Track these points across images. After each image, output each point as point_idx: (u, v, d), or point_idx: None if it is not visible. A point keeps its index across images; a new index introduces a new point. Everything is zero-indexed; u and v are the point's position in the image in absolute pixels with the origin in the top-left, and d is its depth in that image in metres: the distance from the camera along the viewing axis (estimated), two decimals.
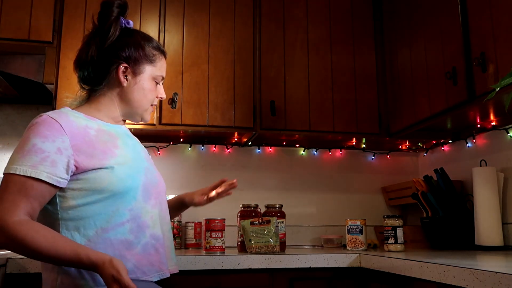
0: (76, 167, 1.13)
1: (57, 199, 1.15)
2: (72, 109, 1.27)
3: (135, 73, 1.28)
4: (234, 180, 1.53)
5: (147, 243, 1.20)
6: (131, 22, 1.33)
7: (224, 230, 1.93)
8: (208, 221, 1.92)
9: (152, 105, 1.35)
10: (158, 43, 1.36)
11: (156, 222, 1.24)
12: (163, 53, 1.35)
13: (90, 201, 1.14)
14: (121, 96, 1.28)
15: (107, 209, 1.15)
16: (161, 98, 1.36)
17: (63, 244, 1.05)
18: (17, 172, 1.07)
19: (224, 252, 1.87)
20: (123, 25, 1.30)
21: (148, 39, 1.33)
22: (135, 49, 1.28)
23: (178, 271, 1.32)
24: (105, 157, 1.17)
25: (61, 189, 1.13)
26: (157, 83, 1.33)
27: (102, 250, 1.12)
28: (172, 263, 1.30)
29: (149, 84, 1.31)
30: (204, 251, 1.89)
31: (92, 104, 1.28)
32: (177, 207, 1.55)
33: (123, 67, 1.26)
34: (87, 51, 1.26)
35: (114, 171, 1.16)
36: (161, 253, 1.23)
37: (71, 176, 1.13)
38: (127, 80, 1.27)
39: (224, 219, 1.94)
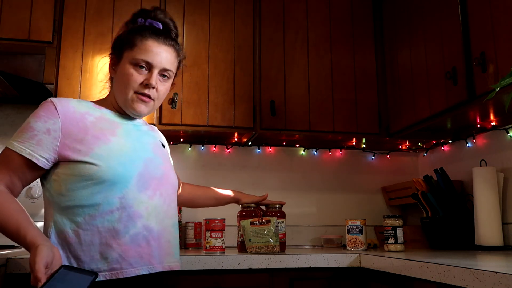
0: (61, 150, 1.15)
1: (51, 183, 1.18)
2: (94, 100, 1.32)
3: (116, 62, 1.28)
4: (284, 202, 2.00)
5: (138, 233, 1.17)
6: (151, 21, 1.30)
7: (224, 230, 1.92)
8: (208, 221, 1.92)
9: (138, 93, 1.24)
10: (147, 22, 1.28)
11: (152, 214, 1.21)
12: (149, 34, 1.24)
13: (79, 186, 1.15)
14: (113, 88, 1.31)
15: (95, 196, 1.15)
16: (147, 85, 1.23)
17: (11, 219, 1.08)
18: (8, 146, 1.15)
19: (224, 252, 1.87)
20: (143, 23, 1.30)
21: (134, 22, 1.30)
22: (117, 37, 1.29)
23: (179, 268, 1.30)
24: (96, 142, 1.17)
25: (54, 173, 1.17)
26: (141, 68, 1.23)
27: (89, 237, 1.13)
28: (172, 259, 1.27)
29: (126, 70, 1.23)
30: (204, 251, 1.89)
31: (107, 98, 1.34)
32: (229, 202, 1.89)
33: (110, 58, 1.30)
34: None
35: (104, 158, 1.16)
36: (153, 246, 1.19)
37: (60, 160, 1.16)
38: (114, 71, 1.29)
39: (224, 219, 1.94)
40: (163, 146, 1.41)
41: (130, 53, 1.24)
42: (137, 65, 1.24)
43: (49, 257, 1.00)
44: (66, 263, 1.12)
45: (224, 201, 1.88)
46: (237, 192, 1.91)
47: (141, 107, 1.26)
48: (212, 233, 1.89)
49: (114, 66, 1.29)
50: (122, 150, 1.20)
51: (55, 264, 1.01)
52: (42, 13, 2.05)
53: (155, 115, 2.11)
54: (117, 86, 1.28)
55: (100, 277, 1.11)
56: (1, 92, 2.16)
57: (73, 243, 1.13)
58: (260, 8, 2.32)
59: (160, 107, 2.11)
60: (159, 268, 1.20)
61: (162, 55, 1.25)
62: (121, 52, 1.26)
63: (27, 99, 2.28)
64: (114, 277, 1.13)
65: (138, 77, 1.24)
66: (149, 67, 1.24)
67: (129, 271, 1.15)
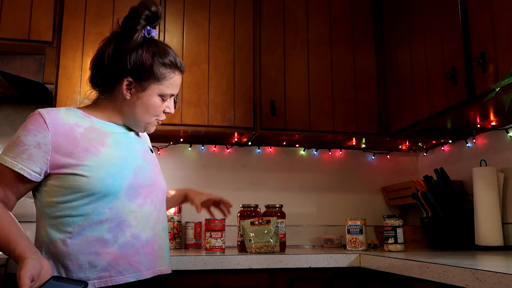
0: (52, 164, 1.15)
1: (42, 194, 1.18)
2: (80, 107, 1.29)
3: (139, 89, 1.26)
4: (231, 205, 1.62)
5: (127, 242, 1.18)
6: (153, 32, 1.28)
7: (224, 230, 1.93)
8: (208, 221, 1.92)
9: (157, 119, 1.33)
10: (175, 58, 1.30)
11: (141, 222, 1.21)
12: (177, 69, 1.31)
13: (69, 199, 1.15)
14: (124, 108, 1.28)
15: (85, 207, 1.15)
16: (168, 113, 1.34)
17: (2, 232, 1.10)
18: (0, 161, 1.16)
19: (224, 252, 1.87)
20: (144, 34, 1.27)
21: (162, 54, 1.28)
22: (143, 65, 1.24)
23: (170, 272, 1.30)
24: (86, 154, 1.17)
25: (45, 184, 1.17)
26: (164, 99, 1.30)
27: (78, 246, 1.14)
28: (163, 263, 1.27)
29: (153, 101, 1.28)
30: (204, 251, 1.89)
31: (98, 106, 1.30)
32: (179, 200, 1.61)
33: (127, 81, 1.25)
34: (101, 56, 1.27)
35: (93, 170, 1.16)
36: (141, 253, 1.20)
37: (51, 172, 1.16)
38: (130, 94, 1.26)
39: (224, 219, 1.94)
40: (151, 151, 1.40)
41: (159, 86, 1.28)
42: (163, 97, 1.30)
43: (36, 270, 1.00)
44: (55, 273, 1.12)
45: (174, 202, 1.65)
46: (186, 189, 1.64)
47: (153, 128, 1.37)
48: (212, 233, 1.89)
49: (131, 90, 1.26)
50: (111, 160, 1.20)
51: (43, 276, 1.02)
52: (42, 13, 2.05)
53: None
54: (135, 110, 1.28)
55: (89, 286, 1.12)
56: (1, 92, 2.16)
57: (62, 253, 1.14)
58: (260, 8, 2.32)
59: None
60: (147, 275, 1.21)
61: (179, 84, 1.36)
62: (145, 82, 1.25)
63: (27, 99, 2.29)
64: (103, 285, 1.14)
65: (162, 106, 1.32)
66: (167, 97, 1.33)
67: (117, 279, 1.15)
